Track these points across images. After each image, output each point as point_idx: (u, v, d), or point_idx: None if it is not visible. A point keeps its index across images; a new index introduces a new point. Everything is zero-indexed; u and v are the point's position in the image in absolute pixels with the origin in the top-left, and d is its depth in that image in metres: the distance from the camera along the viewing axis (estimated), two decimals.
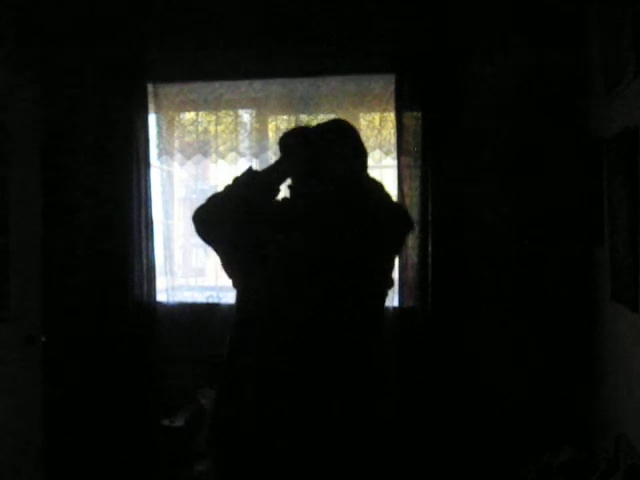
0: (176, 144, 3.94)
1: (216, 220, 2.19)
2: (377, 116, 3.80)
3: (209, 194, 2.32)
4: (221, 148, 3.89)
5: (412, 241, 3.62)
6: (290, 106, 3.84)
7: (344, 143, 2.34)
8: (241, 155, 3.89)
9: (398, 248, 2.57)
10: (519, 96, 3.56)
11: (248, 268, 2.16)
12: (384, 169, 3.95)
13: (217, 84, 3.86)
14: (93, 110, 3.82)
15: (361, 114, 3.79)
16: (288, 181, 2.36)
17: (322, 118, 3.82)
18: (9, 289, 3.24)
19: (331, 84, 3.79)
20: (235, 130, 3.89)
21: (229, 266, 2.26)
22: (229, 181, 2.32)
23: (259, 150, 3.87)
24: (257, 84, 3.85)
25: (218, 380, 2.19)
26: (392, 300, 3.66)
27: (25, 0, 3.71)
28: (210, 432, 2.20)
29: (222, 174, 4.32)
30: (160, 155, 3.94)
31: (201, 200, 2.32)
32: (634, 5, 2.45)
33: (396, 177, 3.70)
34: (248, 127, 3.89)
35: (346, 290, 2.07)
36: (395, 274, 3.56)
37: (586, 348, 3.43)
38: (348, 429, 2.02)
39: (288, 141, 2.36)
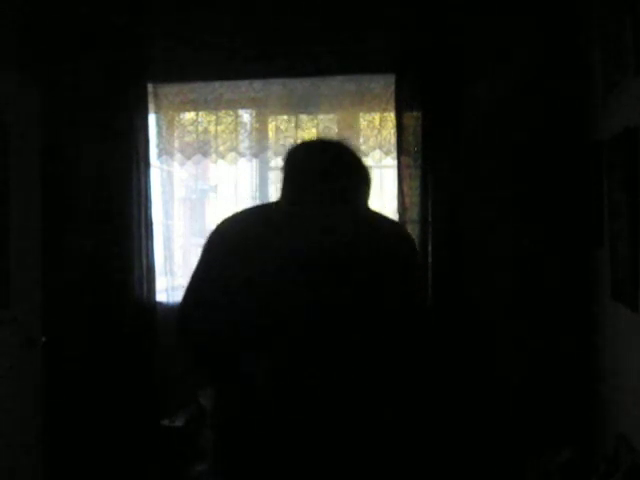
0: (176, 144, 3.94)
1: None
2: (377, 116, 3.80)
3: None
4: (221, 148, 3.89)
5: None
6: (290, 106, 3.84)
7: (356, 171, 2.09)
8: (241, 155, 3.89)
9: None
10: (519, 96, 3.56)
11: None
12: (384, 169, 3.95)
13: (217, 84, 3.86)
14: (93, 110, 3.82)
15: (361, 114, 3.79)
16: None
17: (322, 118, 3.83)
18: (9, 289, 3.24)
19: (331, 84, 3.79)
20: (235, 130, 3.89)
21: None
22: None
23: (259, 150, 3.87)
24: (257, 84, 3.84)
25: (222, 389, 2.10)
26: None
27: (25, 1, 3.70)
28: (217, 442, 2.12)
29: (222, 174, 4.32)
30: (160, 155, 3.94)
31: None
32: (634, 5, 2.45)
33: (396, 177, 3.70)
34: (248, 127, 3.89)
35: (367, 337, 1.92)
36: None
37: (586, 348, 3.43)
38: (363, 438, 1.99)
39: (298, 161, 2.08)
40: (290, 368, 1.93)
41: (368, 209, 2.14)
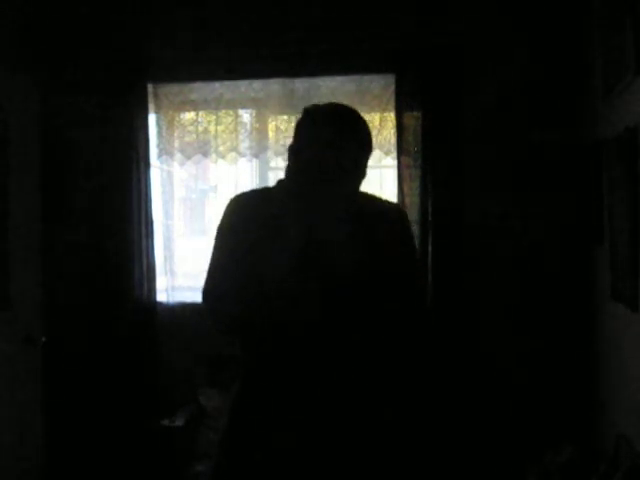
0: (176, 144, 3.94)
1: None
2: (377, 116, 3.79)
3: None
4: (221, 148, 3.88)
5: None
6: (290, 106, 3.83)
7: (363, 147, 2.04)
8: (241, 155, 3.89)
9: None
10: (519, 96, 3.56)
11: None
12: (384, 169, 3.95)
13: (217, 84, 3.86)
14: (93, 110, 3.82)
15: (361, 114, 3.78)
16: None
17: None
18: (9, 289, 3.24)
19: (331, 84, 3.79)
20: (235, 130, 3.89)
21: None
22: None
23: (259, 150, 3.87)
24: (257, 84, 3.84)
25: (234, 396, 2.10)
26: None
27: (25, 1, 3.71)
28: (224, 439, 2.13)
29: (222, 174, 4.32)
30: (160, 155, 3.94)
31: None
32: (634, 5, 2.45)
33: (396, 177, 3.70)
34: (248, 127, 3.89)
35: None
36: None
37: (586, 348, 3.43)
38: (362, 434, 2.00)
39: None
40: (302, 340, 1.95)
41: (366, 194, 2.13)
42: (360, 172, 2.03)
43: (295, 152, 2.01)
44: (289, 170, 2.03)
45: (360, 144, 2.01)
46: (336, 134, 1.96)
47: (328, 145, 1.94)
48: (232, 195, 2.13)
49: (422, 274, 2.30)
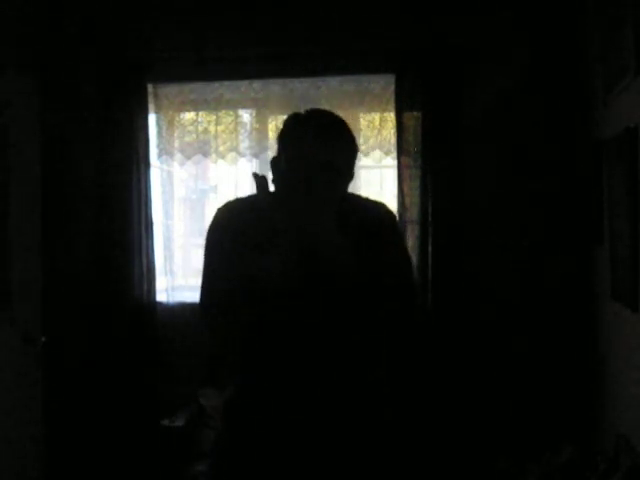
0: (176, 144, 3.94)
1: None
2: (377, 116, 3.80)
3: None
4: (221, 148, 3.89)
5: (412, 241, 3.63)
6: (290, 106, 3.83)
7: (348, 147, 2.04)
8: (241, 155, 3.89)
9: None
10: (519, 96, 3.56)
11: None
12: (384, 169, 3.95)
13: (217, 84, 3.86)
14: (93, 110, 3.82)
15: (361, 114, 3.79)
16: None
17: None
18: (9, 289, 3.24)
19: (331, 84, 3.79)
20: (235, 130, 3.89)
21: None
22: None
23: (259, 150, 3.87)
24: (257, 84, 3.85)
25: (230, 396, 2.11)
26: None
27: (25, 1, 3.70)
28: (219, 441, 2.14)
29: (222, 174, 4.32)
30: (160, 155, 3.94)
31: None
32: (634, 5, 2.45)
33: (396, 177, 3.70)
34: (248, 127, 3.89)
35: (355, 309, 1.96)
36: None
37: (586, 348, 3.43)
38: (359, 436, 2.00)
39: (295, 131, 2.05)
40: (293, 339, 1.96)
41: (353, 195, 2.13)
42: (350, 174, 2.04)
43: (287, 160, 1.99)
44: (278, 179, 2.00)
45: (349, 146, 2.02)
46: (328, 139, 1.96)
47: (323, 150, 1.94)
48: (223, 201, 2.14)
49: (413, 270, 2.31)
